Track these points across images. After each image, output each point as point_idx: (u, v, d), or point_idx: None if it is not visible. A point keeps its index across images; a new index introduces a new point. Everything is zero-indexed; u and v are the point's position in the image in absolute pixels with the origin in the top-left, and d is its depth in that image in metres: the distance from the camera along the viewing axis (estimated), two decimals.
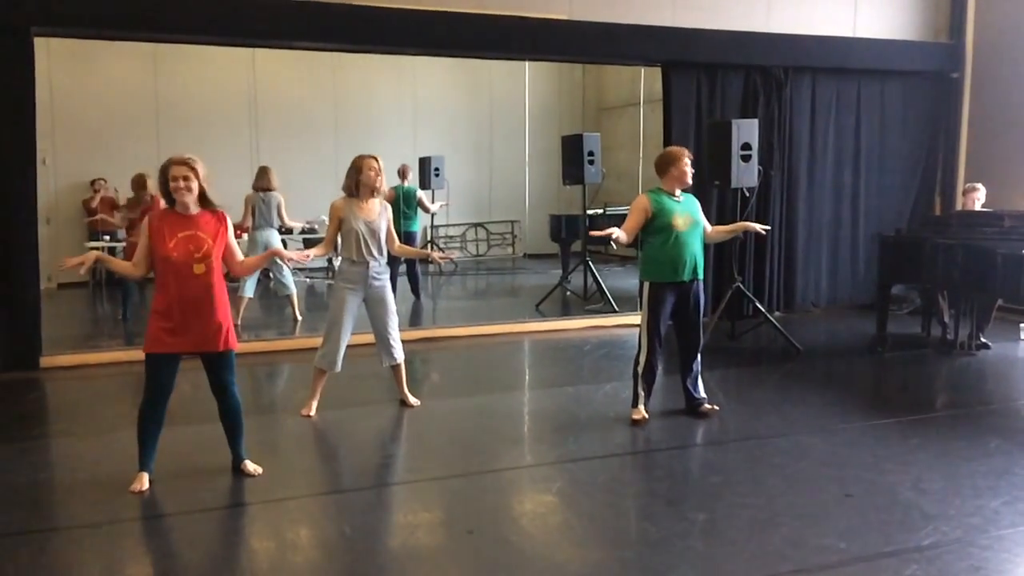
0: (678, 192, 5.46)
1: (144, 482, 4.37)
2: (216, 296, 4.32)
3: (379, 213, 5.54)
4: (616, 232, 5.23)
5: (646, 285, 5.47)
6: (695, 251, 5.43)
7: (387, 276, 5.68)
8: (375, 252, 5.51)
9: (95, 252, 4.37)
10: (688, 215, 5.42)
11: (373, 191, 5.50)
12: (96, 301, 11.23)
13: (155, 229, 4.25)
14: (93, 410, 6.13)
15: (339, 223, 5.48)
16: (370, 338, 5.78)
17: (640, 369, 5.52)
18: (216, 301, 4.32)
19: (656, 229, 5.37)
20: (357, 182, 5.48)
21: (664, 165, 5.44)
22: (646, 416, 5.50)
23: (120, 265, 4.59)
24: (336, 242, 5.65)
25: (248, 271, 4.74)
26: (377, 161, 5.53)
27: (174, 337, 4.26)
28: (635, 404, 5.56)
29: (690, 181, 5.47)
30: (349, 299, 5.53)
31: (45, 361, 7.03)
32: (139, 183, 8.51)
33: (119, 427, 5.59)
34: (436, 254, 6.01)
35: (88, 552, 3.80)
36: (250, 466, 4.58)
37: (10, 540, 3.85)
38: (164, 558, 3.80)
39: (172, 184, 4.23)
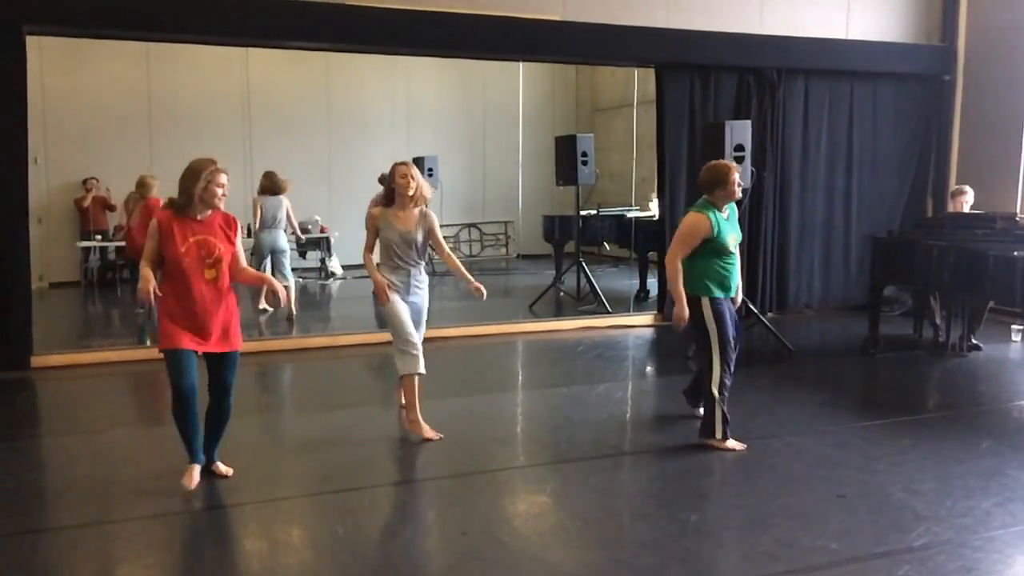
0: (725, 208, 5.08)
1: (195, 475, 4.32)
2: (226, 299, 4.31)
3: (417, 223, 5.21)
4: (686, 313, 4.96)
5: (705, 302, 5.01)
6: (738, 267, 5.18)
7: (426, 285, 5.43)
8: (412, 260, 5.25)
9: (149, 275, 4.14)
10: (736, 233, 5.14)
11: (408, 199, 5.18)
12: (87, 300, 11.19)
13: (165, 232, 4.19)
14: (84, 410, 6.11)
15: (376, 232, 5.23)
16: (366, 338, 5.76)
17: (717, 389, 5.02)
18: (225, 304, 4.31)
19: (710, 250, 4.99)
20: (391, 190, 5.23)
21: (715, 182, 5.01)
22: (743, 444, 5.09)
23: (151, 274, 4.25)
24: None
25: (245, 282, 4.64)
26: (410, 168, 5.26)
27: (187, 335, 4.22)
28: (725, 435, 5.04)
29: (739, 195, 5.13)
30: (397, 299, 5.23)
31: (36, 361, 7.00)
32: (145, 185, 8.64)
33: (110, 427, 5.59)
34: (474, 284, 5.37)
35: (79, 553, 3.78)
36: (222, 467, 4.55)
37: (1, 541, 3.83)
38: (155, 559, 3.78)
39: (218, 190, 4.19)
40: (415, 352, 5.20)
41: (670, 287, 5.07)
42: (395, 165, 5.28)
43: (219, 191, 4.21)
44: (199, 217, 4.24)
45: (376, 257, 5.29)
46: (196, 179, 4.17)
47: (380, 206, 5.30)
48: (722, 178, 5.01)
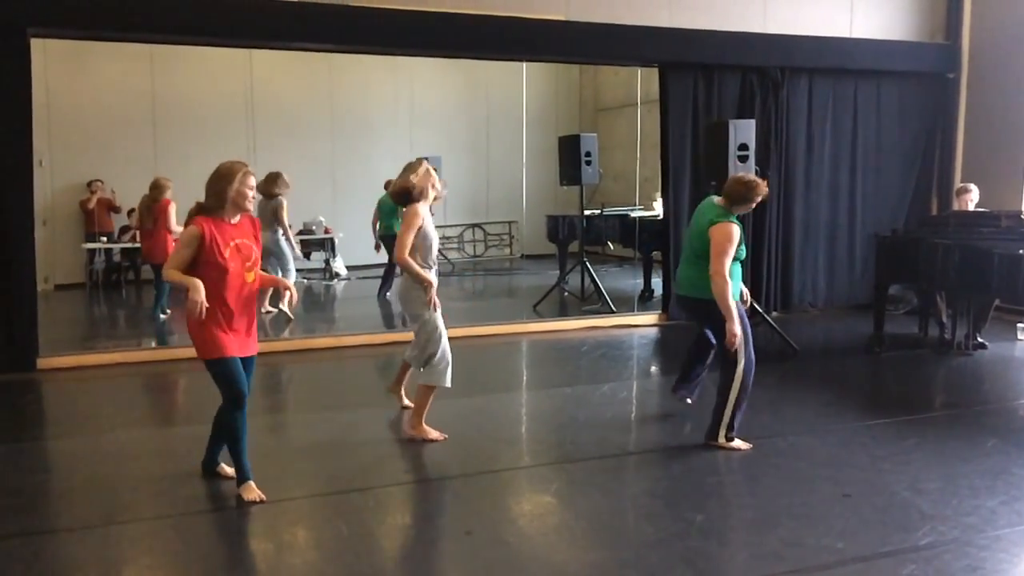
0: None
1: (255, 490, 4.28)
2: (254, 301, 4.35)
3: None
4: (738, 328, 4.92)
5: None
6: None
7: None
8: (436, 260, 5.21)
9: (199, 284, 4.04)
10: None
11: (436, 196, 5.12)
12: (93, 302, 11.21)
13: (208, 238, 4.11)
14: (90, 412, 6.11)
15: (418, 230, 4.99)
16: (370, 338, 5.76)
17: (736, 395, 4.99)
18: (253, 306, 4.34)
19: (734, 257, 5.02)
20: (423, 188, 5.02)
21: (743, 198, 5.03)
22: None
23: (200, 283, 4.17)
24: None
25: (260, 285, 4.65)
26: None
27: (231, 341, 4.20)
28: (731, 437, 5.04)
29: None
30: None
31: (42, 363, 7.01)
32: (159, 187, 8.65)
33: (115, 429, 5.60)
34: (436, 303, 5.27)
35: (85, 554, 3.79)
36: (227, 468, 4.54)
37: (7, 542, 3.84)
38: (161, 560, 3.79)
39: (249, 192, 4.16)
40: (450, 365, 5.17)
41: (722, 304, 4.87)
42: (426, 162, 5.16)
43: (250, 194, 4.19)
44: (232, 221, 4.22)
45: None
46: (229, 182, 4.13)
47: (420, 203, 5.03)
48: (753, 196, 5.03)
